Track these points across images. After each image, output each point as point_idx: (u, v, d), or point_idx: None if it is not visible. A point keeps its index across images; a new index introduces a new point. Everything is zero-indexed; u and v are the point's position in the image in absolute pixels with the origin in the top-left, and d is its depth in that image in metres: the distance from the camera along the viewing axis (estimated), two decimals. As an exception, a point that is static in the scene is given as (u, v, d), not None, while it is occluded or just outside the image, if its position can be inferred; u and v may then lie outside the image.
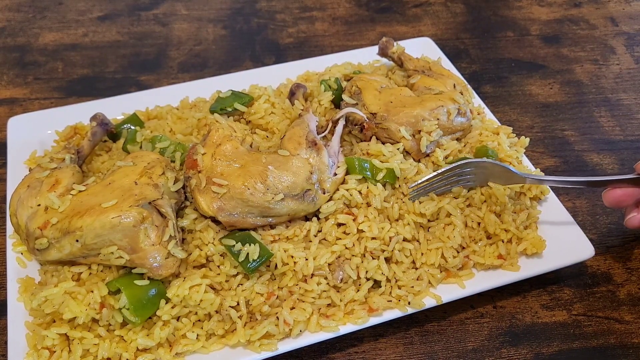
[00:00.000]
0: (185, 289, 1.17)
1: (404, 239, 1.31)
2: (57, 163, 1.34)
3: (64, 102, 1.87)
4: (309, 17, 2.28)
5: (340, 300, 1.24)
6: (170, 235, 1.21)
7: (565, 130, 1.81)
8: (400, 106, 1.45)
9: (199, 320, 1.21)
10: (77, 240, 1.17)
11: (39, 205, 1.24)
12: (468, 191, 1.38)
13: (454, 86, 1.55)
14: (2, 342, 1.28)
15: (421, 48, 1.83)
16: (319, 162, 1.31)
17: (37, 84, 1.95)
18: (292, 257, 1.25)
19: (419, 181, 1.34)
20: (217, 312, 1.20)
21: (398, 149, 1.41)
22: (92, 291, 1.17)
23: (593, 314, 1.34)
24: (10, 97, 1.90)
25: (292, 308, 1.22)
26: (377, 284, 1.28)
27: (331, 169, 1.33)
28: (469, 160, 1.35)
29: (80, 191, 1.26)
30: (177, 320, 1.19)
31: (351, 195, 1.32)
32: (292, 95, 1.56)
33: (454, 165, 1.33)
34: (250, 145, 1.38)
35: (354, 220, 1.30)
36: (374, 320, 1.23)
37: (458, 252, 1.31)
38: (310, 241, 1.29)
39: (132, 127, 1.54)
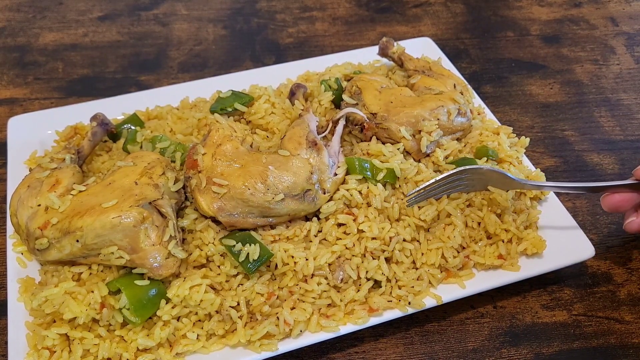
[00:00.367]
0: (185, 289, 1.17)
1: (404, 240, 1.31)
2: (58, 163, 1.34)
3: (64, 102, 1.87)
4: (309, 17, 2.28)
5: (341, 301, 1.24)
6: (171, 236, 1.21)
7: (565, 130, 1.81)
8: (400, 106, 1.45)
9: (199, 321, 1.21)
10: (77, 241, 1.17)
11: (39, 205, 1.24)
12: (467, 193, 1.37)
13: (454, 86, 1.55)
14: (3, 342, 1.28)
15: (421, 48, 1.83)
16: (319, 162, 1.31)
17: (37, 84, 1.95)
18: (293, 257, 1.25)
19: (416, 189, 1.31)
20: (217, 312, 1.20)
21: (398, 149, 1.41)
22: (93, 291, 1.17)
23: (593, 314, 1.34)
24: (11, 97, 1.90)
25: (293, 308, 1.22)
26: (377, 284, 1.28)
27: (331, 169, 1.33)
28: (466, 167, 1.32)
29: (80, 191, 1.26)
30: (178, 320, 1.19)
31: (351, 196, 1.32)
32: (292, 95, 1.56)
33: (450, 172, 1.31)
34: (251, 146, 1.38)
35: (354, 220, 1.30)
36: (374, 320, 1.23)
37: (458, 252, 1.31)
38: (311, 241, 1.29)
39: (133, 127, 1.54)
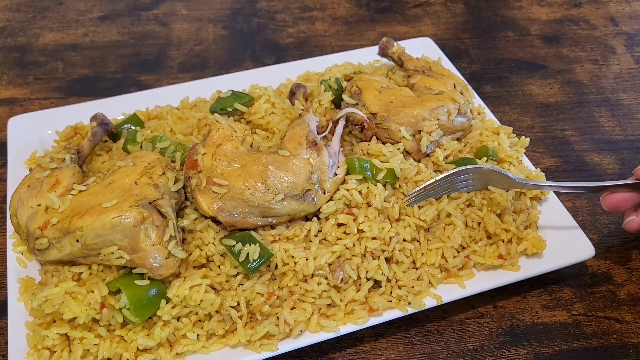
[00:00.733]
0: (185, 289, 1.17)
1: (404, 240, 1.31)
2: (58, 163, 1.34)
3: (64, 102, 1.87)
4: (309, 17, 2.28)
5: (341, 300, 1.24)
6: (171, 235, 1.21)
7: (565, 130, 1.81)
8: (400, 106, 1.45)
9: (200, 320, 1.21)
10: (77, 240, 1.17)
11: (39, 205, 1.24)
12: (467, 193, 1.37)
13: (454, 86, 1.55)
14: (3, 342, 1.28)
15: (421, 48, 1.83)
16: (319, 162, 1.31)
17: (37, 84, 1.95)
18: (293, 257, 1.25)
19: (416, 189, 1.32)
20: (217, 312, 1.20)
21: (398, 149, 1.41)
22: (93, 291, 1.17)
23: (593, 314, 1.34)
24: (11, 97, 1.90)
25: (293, 308, 1.22)
26: (377, 284, 1.28)
27: (331, 169, 1.33)
28: (466, 167, 1.33)
29: (80, 191, 1.26)
30: (178, 320, 1.19)
31: (351, 195, 1.32)
32: (292, 95, 1.56)
33: (450, 172, 1.31)
34: (251, 146, 1.38)
35: (354, 220, 1.30)
36: (374, 320, 1.23)
37: (458, 252, 1.31)
38: (311, 241, 1.29)
39: (133, 127, 1.54)
